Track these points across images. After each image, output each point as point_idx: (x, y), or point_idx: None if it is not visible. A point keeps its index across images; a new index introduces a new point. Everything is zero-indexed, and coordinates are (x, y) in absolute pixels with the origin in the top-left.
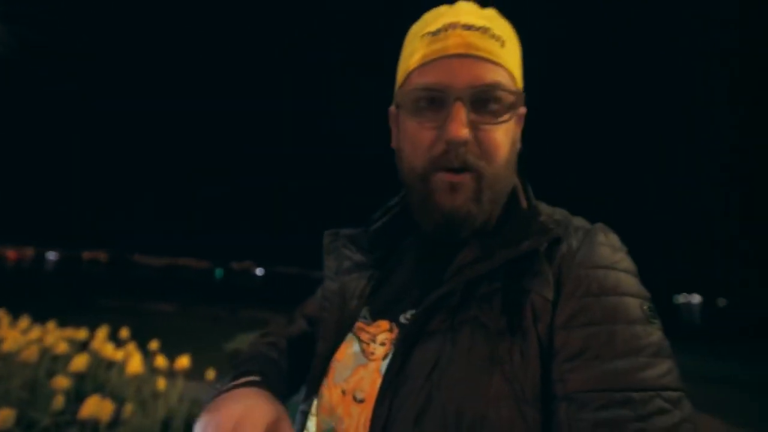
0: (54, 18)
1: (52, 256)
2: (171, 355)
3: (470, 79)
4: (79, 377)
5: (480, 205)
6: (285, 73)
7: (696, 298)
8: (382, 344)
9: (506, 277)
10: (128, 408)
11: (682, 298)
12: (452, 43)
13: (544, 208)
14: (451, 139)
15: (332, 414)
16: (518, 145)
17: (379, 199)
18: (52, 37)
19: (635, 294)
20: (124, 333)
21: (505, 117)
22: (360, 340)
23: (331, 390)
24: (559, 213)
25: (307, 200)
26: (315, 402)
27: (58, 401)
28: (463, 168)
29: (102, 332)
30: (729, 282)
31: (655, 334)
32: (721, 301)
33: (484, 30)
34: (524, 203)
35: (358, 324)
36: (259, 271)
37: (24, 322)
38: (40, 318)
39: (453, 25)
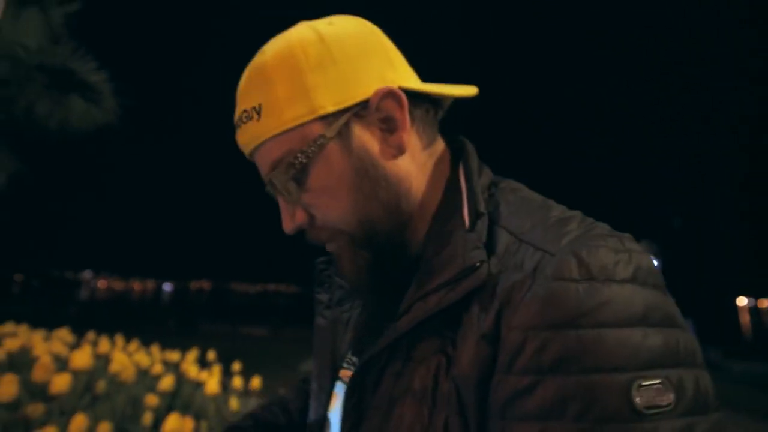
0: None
1: (167, 287)
2: (251, 375)
3: (263, 173)
4: (171, 396)
5: (355, 265)
6: None
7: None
8: None
9: (436, 335)
10: (203, 425)
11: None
12: (240, 148)
13: (506, 217)
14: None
15: None
16: (370, 158)
17: None
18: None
19: (621, 366)
20: (211, 356)
21: (310, 177)
22: None
23: None
24: (532, 222)
25: None
26: None
27: (147, 418)
28: (327, 240)
29: (191, 355)
30: None
31: None
32: None
33: (241, 117)
34: (466, 218)
35: (345, 372)
36: None
37: (133, 345)
38: (150, 341)
39: (234, 126)
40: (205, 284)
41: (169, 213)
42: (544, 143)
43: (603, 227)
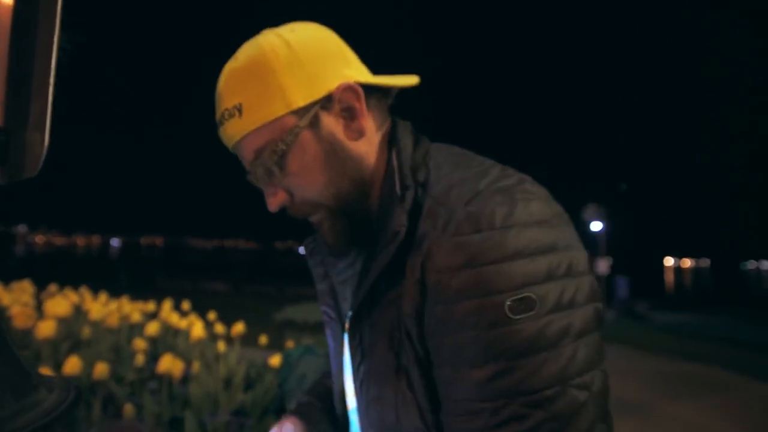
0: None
1: (115, 242)
2: (227, 324)
3: (246, 163)
4: (153, 341)
5: (335, 231)
6: None
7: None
8: None
9: (395, 284)
10: (195, 366)
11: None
12: (224, 142)
13: (433, 183)
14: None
15: (353, 404)
16: (337, 141)
17: None
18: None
19: (498, 290)
20: (186, 305)
21: (289, 161)
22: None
23: (348, 384)
24: (451, 184)
25: None
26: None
27: (140, 359)
28: (308, 214)
29: (167, 304)
30: None
31: (521, 333)
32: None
33: (223, 115)
34: (398, 191)
35: (348, 324)
36: (301, 250)
37: (103, 296)
38: (112, 295)
39: (217, 123)
40: (158, 240)
41: (116, 165)
42: (502, 109)
43: (506, 180)
